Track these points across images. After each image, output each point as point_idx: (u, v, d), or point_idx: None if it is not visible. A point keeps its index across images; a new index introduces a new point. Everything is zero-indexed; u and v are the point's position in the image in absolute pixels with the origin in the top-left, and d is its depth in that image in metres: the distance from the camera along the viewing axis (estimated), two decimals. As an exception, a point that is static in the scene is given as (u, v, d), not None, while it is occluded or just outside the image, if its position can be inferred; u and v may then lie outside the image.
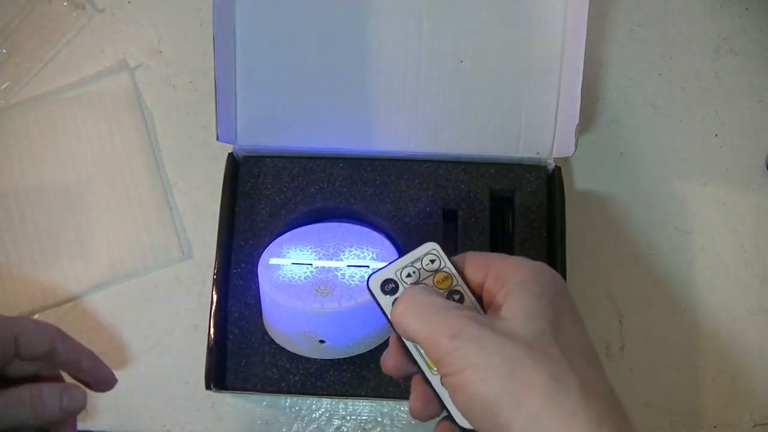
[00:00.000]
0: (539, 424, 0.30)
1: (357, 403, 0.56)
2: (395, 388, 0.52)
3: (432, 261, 0.39)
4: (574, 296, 0.37)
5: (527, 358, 0.31)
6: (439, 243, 0.40)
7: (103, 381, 0.44)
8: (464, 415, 0.34)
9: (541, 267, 0.37)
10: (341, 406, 0.56)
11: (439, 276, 0.39)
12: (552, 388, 0.31)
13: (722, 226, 0.61)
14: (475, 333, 0.32)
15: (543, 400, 0.30)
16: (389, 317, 0.38)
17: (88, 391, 0.41)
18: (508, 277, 0.36)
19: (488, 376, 0.31)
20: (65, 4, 0.65)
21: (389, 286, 0.39)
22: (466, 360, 0.32)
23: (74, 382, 0.43)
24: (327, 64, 0.56)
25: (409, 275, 0.39)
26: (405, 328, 0.36)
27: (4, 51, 0.63)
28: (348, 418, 0.56)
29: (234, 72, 0.56)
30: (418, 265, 0.39)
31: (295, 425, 0.56)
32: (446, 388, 0.34)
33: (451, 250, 0.40)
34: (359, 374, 0.52)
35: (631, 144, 0.63)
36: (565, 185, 0.56)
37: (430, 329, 0.34)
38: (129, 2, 0.66)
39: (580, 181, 0.62)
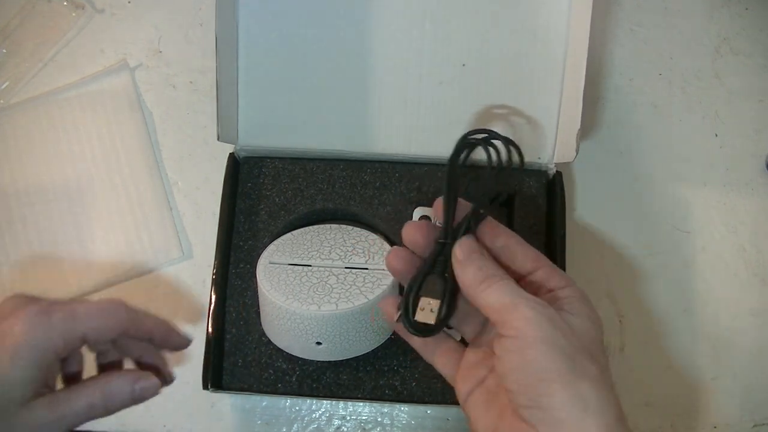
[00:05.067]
0: (586, 406, 0.33)
1: (357, 403, 0.56)
2: (392, 391, 0.52)
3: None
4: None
5: (586, 352, 0.35)
6: None
7: (176, 347, 0.45)
8: (507, 374, 0.35)
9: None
10: (341, 406, 0.56)
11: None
12: (599, 380, 0.34)
13: (722, 226, 0.61)
14: (548, 312, 0.36)
15: (593, 389, 0.34)
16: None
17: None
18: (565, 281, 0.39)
19: (551, 350, 0.34)
20: (65, 4, 0.65)
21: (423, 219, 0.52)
22: (536, 327, 0.35)
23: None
24: (329, 66, 0.56)
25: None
26: (473, 283, 0.37)
27: (4, 51, 0.63)
28: (348, 418, 0.56)
29: (236, 72, 0.56)
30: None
31: (295, 425, 0.56)
32: (498, 347, 0.36)
33: None
34: (356, 376, 0.52)
35: (631, 144, 0.63)
36: (565, 185, 0.56)
37: (503, 294, 0.37)
38: (129, 2, 0.66)
39: (580, 181, 0.62)
